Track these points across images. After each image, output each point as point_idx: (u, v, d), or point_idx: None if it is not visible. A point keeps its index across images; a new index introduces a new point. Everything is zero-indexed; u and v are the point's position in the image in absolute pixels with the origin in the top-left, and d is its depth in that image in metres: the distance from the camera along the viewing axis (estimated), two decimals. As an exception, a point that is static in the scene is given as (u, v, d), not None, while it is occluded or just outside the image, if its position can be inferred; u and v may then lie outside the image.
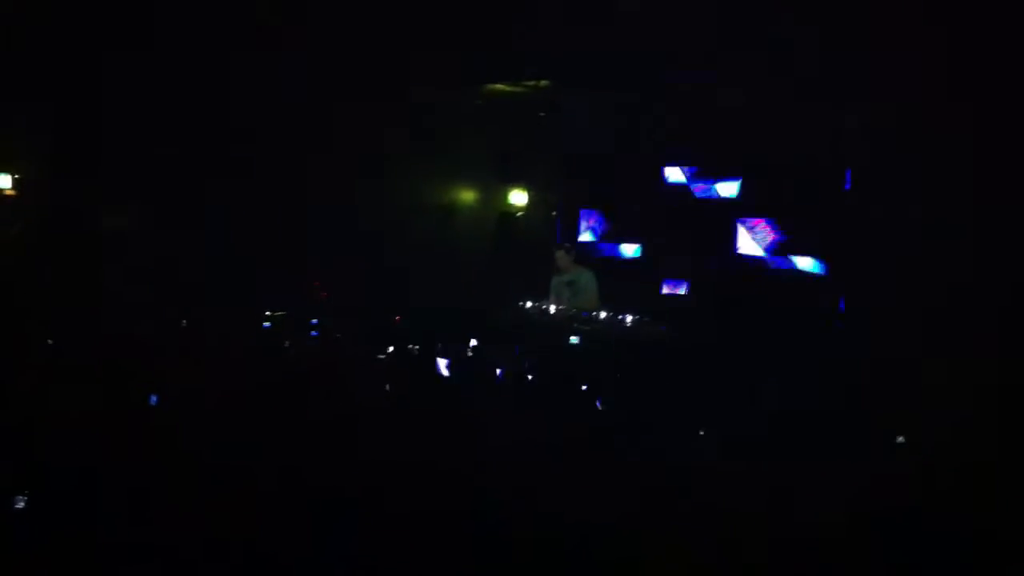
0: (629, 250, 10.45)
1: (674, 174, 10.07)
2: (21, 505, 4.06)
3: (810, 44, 8.12)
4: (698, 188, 9.98)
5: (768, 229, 9.62)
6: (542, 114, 10.51)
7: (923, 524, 4.03)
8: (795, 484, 4.52)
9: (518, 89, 10.16)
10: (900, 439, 5.49)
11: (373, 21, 9.16)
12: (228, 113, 10.02)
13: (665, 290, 10.06)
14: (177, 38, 9.40)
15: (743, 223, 9.74)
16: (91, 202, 10.55)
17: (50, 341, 6.81)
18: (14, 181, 10.53)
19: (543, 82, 9.85)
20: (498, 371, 7.07)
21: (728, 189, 9.86)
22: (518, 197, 10.79)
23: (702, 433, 5.61)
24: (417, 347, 7.61)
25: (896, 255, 8.25)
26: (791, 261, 9.52)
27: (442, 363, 7.29)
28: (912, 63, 7.73)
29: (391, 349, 7.60)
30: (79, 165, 10.30)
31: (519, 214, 10.79)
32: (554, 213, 10.88)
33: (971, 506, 4.25)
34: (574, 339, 8.02)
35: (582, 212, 10.61)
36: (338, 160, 10.54)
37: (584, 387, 6.73)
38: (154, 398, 5.54)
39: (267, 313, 8.74)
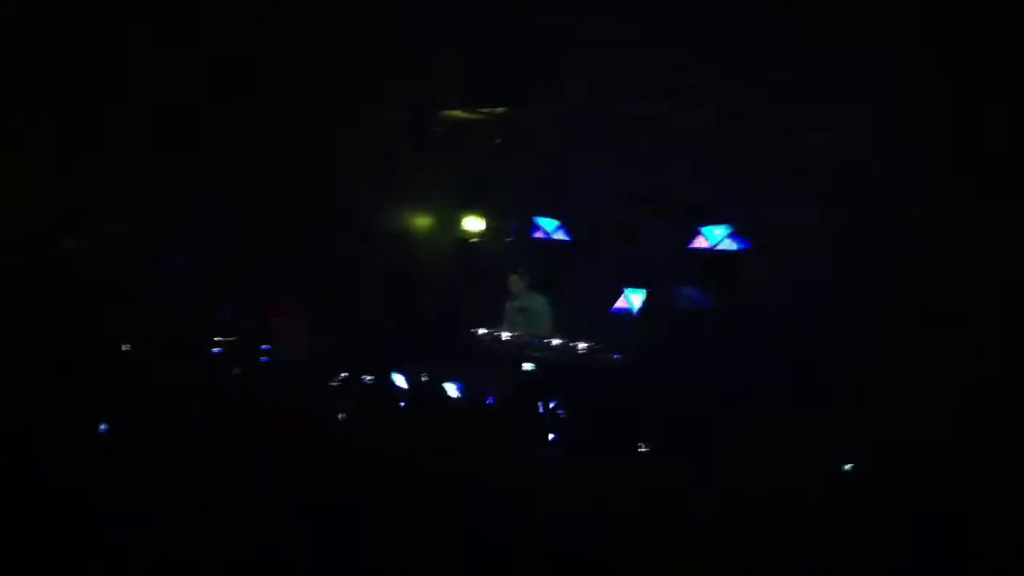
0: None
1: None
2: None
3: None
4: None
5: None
6: (497, 141, 10.51)
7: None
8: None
9: (476, 116, 10.16)
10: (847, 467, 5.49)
11: (333, 45, 9.13)
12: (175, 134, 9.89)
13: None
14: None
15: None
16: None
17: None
18: None
19: (500, 108, 9.86)
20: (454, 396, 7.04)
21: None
22: (474, 223, 10.77)
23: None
24: (369, 376, 7.53)
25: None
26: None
27: (398, 388, 7.24)
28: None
29: (343, 376, 7.53)
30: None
31: (475, 240, 10.76)
32: (508, 239, 10.87)
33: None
34: (528, 366, 8.01)
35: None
36: (292, 185, 10.47)
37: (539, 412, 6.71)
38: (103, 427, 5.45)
39: (217, 339, 8.64)
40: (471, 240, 10.73)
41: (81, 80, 9.53)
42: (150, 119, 9.73)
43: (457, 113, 10.18)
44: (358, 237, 10.68)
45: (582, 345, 8.46)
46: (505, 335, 8.77)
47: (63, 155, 9.93)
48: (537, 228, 10.81)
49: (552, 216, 10.74)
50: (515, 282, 8.99)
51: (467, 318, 9.26)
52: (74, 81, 9.51)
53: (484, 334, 8.89)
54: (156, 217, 10.49)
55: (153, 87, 9.51)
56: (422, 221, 11.13)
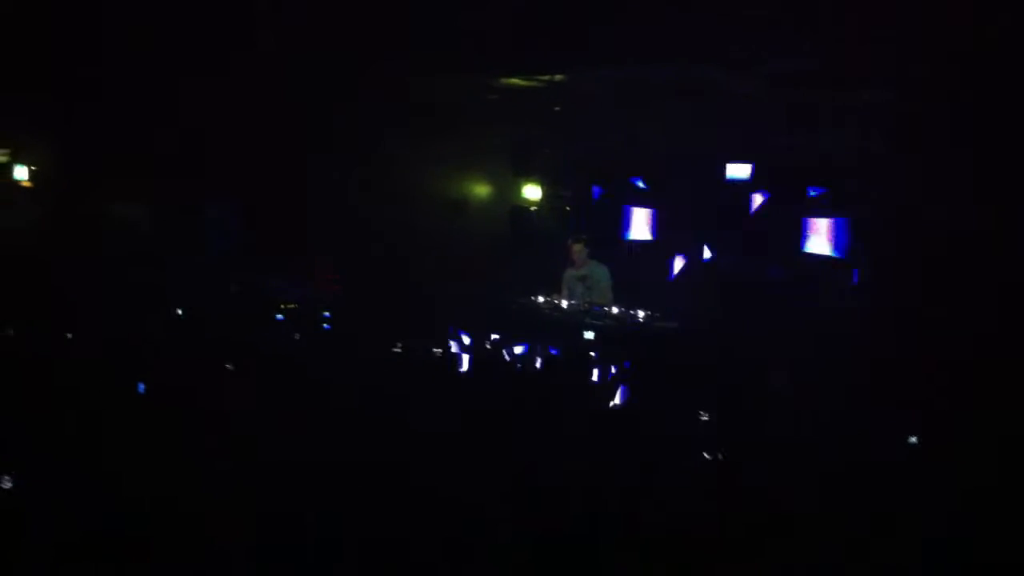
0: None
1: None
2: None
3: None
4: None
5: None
6: (557, 108, 10.46)
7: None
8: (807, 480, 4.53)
9: (533, 83, 10.10)
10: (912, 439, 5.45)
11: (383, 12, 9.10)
12: (230, 105, 9.94)
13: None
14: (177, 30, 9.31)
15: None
16: (100, 194, 10.54)
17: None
18: (30, 172, 10.54)
19: (559, 76, 9.79)
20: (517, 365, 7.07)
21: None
22: (531, 191, 10.76)
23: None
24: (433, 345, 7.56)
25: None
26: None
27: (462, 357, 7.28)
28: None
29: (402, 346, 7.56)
30: (88, 158, 10.28)
31: (532, 208, 10.76)
32: (568, 208, 10.86)
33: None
34: (588, 334, 8.01)
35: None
36: (348, 154, 10.53)
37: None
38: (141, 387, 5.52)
39: (281, 306, 8.74)
40: (529, 207, 10.72)
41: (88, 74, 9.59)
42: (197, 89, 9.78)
43: (513, 80, 10.13)
44: (413, 205, 10.71)
45: (641, 314, 8.46)
46: (564, 303, 8.78)
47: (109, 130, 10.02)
48: (596, 196, 10.81)
49: (610, 185, 10.74)
50: (576, 250, 8.97)
51: (525, 285, 9.27)
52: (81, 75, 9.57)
53: (544, 302, 8.91)
54: (201, 185, 10.58)
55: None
56: (480, 189, 11.14)
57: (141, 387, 5.47)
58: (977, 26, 6.88)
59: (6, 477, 4.08)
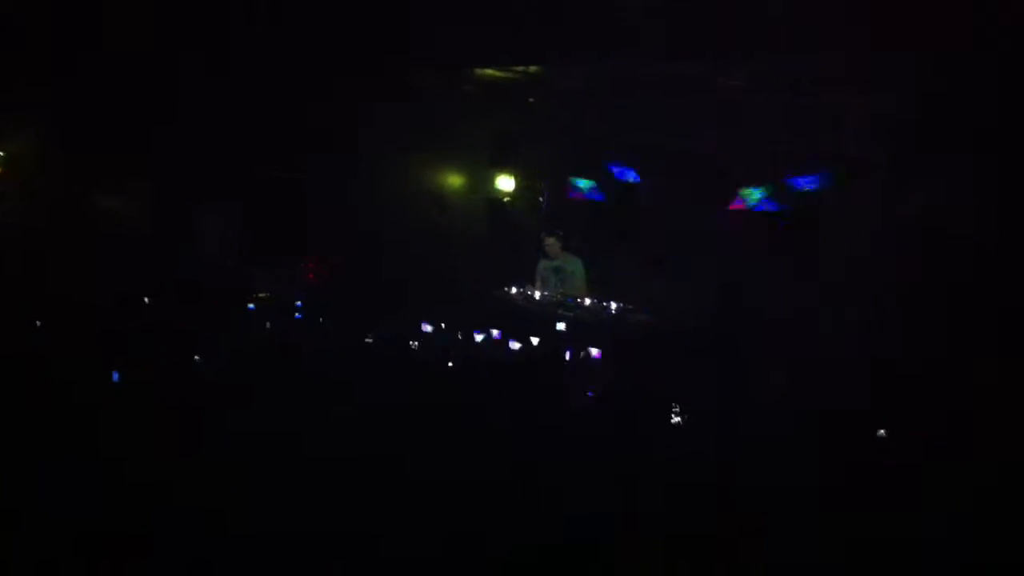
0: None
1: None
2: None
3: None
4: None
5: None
6: (531, 100, 10.45)
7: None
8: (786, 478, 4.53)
9: (509, 74, 10.09)
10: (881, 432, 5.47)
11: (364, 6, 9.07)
12: (221, 97, 9.89)
13: None
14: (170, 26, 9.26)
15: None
16: (86, 187, 10.47)
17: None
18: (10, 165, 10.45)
19: (533, 67, 9.78)
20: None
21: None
22: (506, 183, 10.74)
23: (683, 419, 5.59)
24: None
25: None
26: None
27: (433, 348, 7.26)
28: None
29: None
30: (75, 150, 10.20)
31: (507, 199, 10.74)
32: (541, 199, 10.85)
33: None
34: (560, 325, 8.02)
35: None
36: (328, 144, 10.49)
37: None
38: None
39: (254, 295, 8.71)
40: (503, 199, 10.71)
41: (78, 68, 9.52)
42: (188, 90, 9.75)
43: (490, 72, 10.11)
44: (389, 196, 10.68)
45: (614, 306, 8.47)
46: (537, 294, 8.79)
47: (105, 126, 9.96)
48: (571, 188, 10.80)
49: (586, 176, 10.72)
50: (551, 243, 9.00)
51: (498, 276, 9.26)
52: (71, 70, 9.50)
53: (516, 293, 8.91)
54: (189, 181, 10.53)
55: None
56: (454, 180, 11.12)
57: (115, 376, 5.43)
58: (977, 32, 6.91)
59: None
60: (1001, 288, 7.43)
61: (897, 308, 7.97)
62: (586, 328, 8.07)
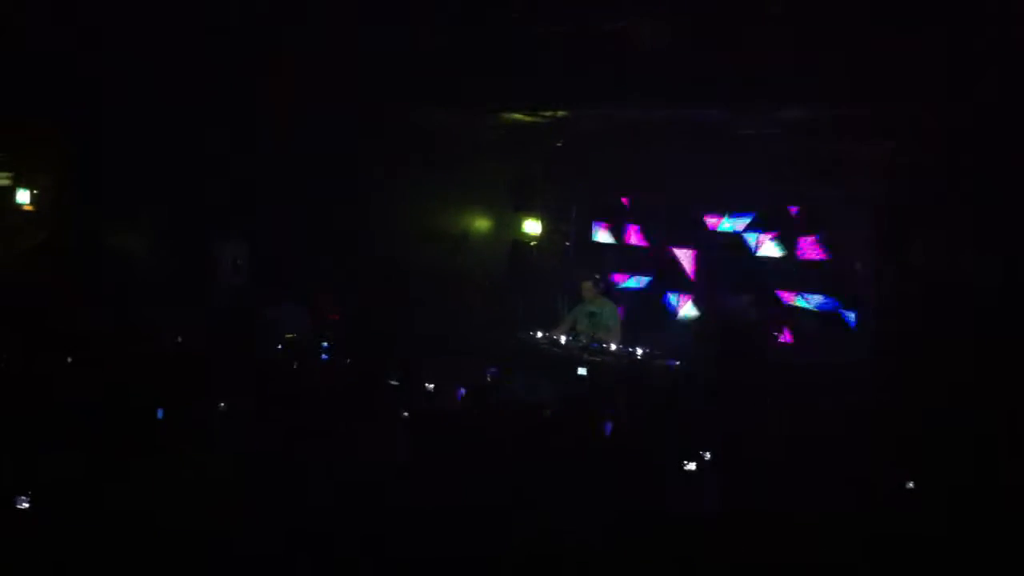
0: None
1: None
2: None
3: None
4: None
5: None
6: (558, 144, 10.52)
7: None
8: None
9: (535, 119, 10.18)
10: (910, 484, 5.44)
11: (392, 48, 9.17)
12: (235, 134, 9.99)
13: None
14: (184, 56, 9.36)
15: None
16: (104, 217, 10.55)
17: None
18: (32, 196, 10.56)
19: (560, 112, 9.86)
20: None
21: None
22: (532, 226, 10.79)
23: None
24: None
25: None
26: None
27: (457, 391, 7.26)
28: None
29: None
30: (93, 181, 10.31)
31: (532, 243, 10.78)
32: (567, 243, 10.89)
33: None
34: (582, 370, 8.00)
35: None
36: (352, 184, 10.58)
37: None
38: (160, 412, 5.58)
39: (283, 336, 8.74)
40: (529, 243, 10.75)
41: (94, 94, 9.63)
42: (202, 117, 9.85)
43: (516, 116, 10.20)
44: (415, 238, 10.72)
45: (639, 351, 8.47)
46: (563, 339, 8.80)
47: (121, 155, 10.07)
48: (595, 232, 10.85)
49: (611, 221, 10.78)
50: (587, 287, 9.06)
51: (523, 320, 9.28)
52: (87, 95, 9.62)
53: (541, 337, 8.93)
54: (210, 215, 10.62)
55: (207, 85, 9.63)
56: (480, 223, 11.17)
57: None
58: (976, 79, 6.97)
59: (22, 497, 4.13)
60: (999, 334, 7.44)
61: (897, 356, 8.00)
62: (608, 373, 8.07)
